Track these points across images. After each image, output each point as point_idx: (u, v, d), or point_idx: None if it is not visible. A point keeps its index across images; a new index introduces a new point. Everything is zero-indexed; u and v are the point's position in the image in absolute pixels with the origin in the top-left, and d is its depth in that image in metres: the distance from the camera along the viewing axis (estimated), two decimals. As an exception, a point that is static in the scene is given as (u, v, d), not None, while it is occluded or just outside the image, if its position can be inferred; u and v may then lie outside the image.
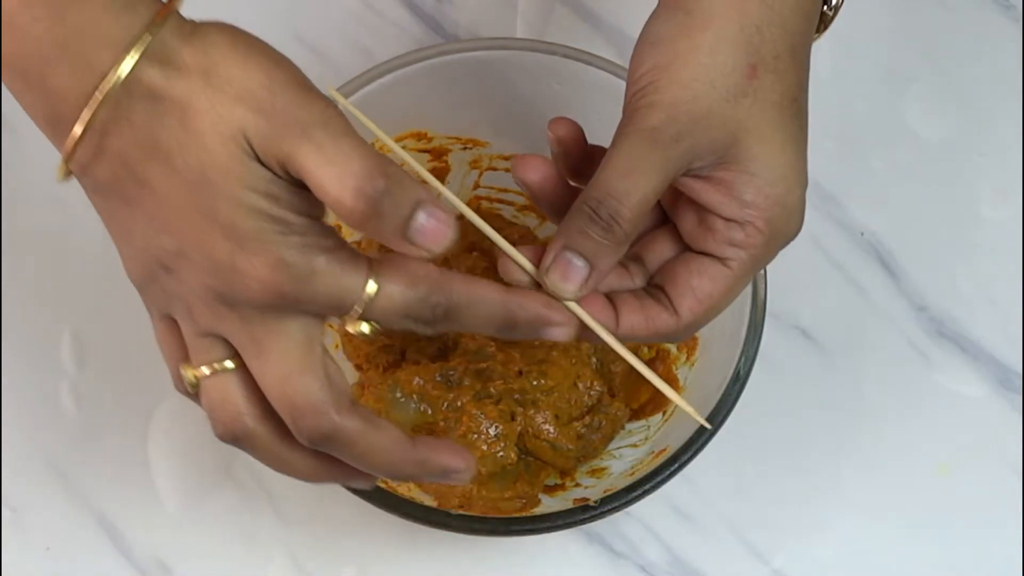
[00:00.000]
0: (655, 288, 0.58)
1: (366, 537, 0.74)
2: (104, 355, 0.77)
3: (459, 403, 0.72)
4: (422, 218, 0.51)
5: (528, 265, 0.56)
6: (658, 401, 0.74)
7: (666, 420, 0.72)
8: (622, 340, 0.57)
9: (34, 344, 0.77)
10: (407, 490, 0.71)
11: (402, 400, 0.72)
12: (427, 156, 0.76)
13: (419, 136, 0.74)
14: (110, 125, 0.50)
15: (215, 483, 0.75)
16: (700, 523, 0.75)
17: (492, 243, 0.57)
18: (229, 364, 0.53)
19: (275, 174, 0.50)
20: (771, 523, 0.75)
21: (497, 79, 0.72)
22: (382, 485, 0.66)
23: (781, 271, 0.77)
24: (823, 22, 0.60)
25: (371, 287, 0.51)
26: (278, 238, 0.50)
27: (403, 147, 0.74)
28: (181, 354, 0.55)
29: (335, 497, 0.68)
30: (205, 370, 0.54)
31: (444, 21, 0.84)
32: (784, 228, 0.57)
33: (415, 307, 0.52)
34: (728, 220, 0.56)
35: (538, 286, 0.56)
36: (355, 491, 0.65)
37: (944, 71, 0.83)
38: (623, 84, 0.69)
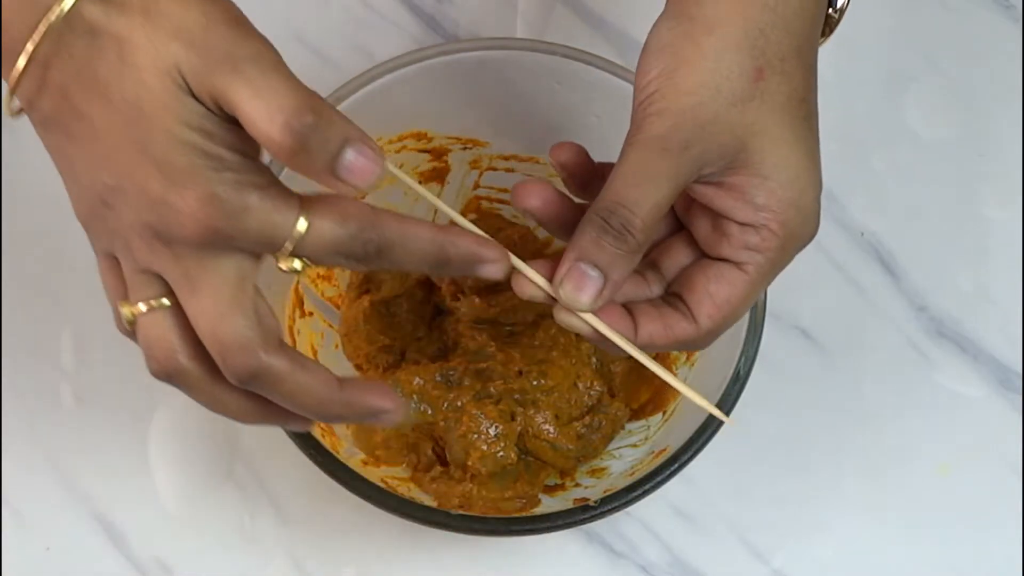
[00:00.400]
0: (673, 296, 0.58)
1: (366, 537, 0.74)
2: (104, 355, 0.77)
3: (459, 403, 0.72)
4: (350, 155, 0.52)
5: (541, 280, 0.56)
6: (658, 401, 0.74)
7: (666, 420, 0.72)
8: (642, 350, 0.57)
9: (34, 344, 0.77)
10: (407, 490, 0.71)
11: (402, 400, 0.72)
12: (427, 156, 0.76)
13: (419, 136, 0.74)
14: (52, 58, 0.51)
15: (215, 483, 0.75)
16: (700, 523, 0.75)
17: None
18: (165, 301, 0.54)
19: (209, 110, 0.51)
20: (771, 523, 0.75)
21: (497, 79, 0.72)
22: (382, 485, 0.67)
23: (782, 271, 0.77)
24: (828, 26, 0.60)
25: (302, 224, 0.52)
26: (211, 174, 0.51)
27: (403, 147, 0.75)
28: (122, 292, 0.55)
29: (335, 497, 0.68)
30: (142, 307, 0.54)
31: (444, 21, 0.84)
32: (799, 231, 0.56)
33: (346, 243, 0.53)
34: (743, 224, 0.56)
35: (554, 301, 0.56)
36: (355, 491, 0.65)
37: (944, 71, 0.83)
38: (623, 84, 0.70)
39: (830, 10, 0.59)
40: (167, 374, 0.55)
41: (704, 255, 0.58)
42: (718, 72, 0.54)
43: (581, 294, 0.55)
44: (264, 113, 0.50)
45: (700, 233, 0.58)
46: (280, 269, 0.53)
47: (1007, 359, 0.78)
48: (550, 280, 0.56)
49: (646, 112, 0.55)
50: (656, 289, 0.58)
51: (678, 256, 0.59)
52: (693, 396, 0.58)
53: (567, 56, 0.71)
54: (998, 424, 0.77)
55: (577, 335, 0.74)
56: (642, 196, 0.54)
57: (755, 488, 0.76)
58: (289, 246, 0.52)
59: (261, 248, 0.52)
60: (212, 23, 0.51)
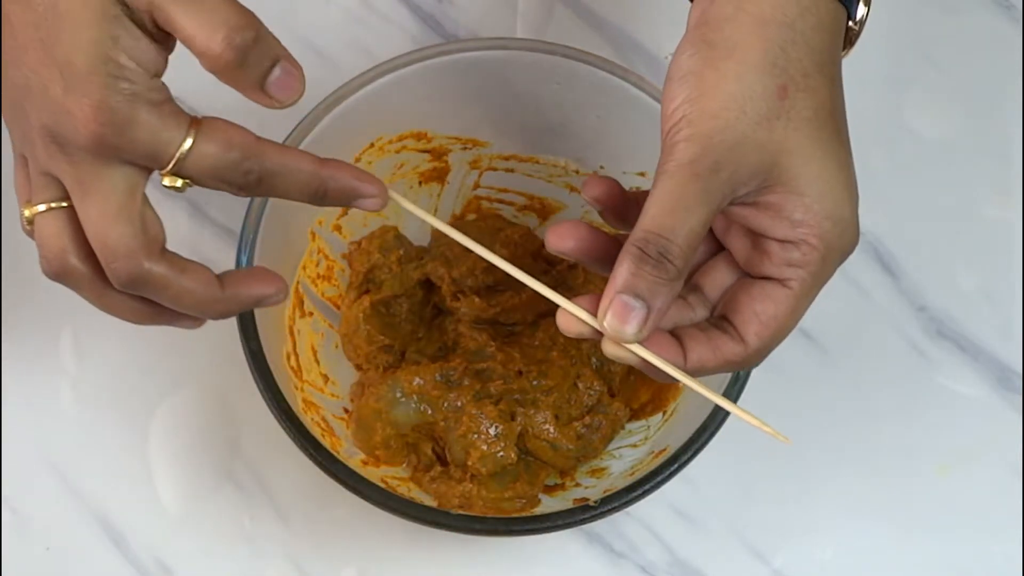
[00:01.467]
0: (720, 319, 0.58)
1: (366, 537, 0.74)
2: (104, 355, 0.77)
3: (459, 403, 0.72)
4: (278, 71, 0.55)
5: (585, 315, 0.56)
6: (658, 401, 0.74)
7: (666, 420, 0.72)
8: (692, 374, 0.57)
9: (34, 344, 0.77)
10: (407, 490, 0.71)
11: (402, 400, 0.72)
12: (427, 156, 0.76)
13: (419, 136, 0.74)
14: None
15: (215, 483, 0.75)
16: (700, 523, 0.75)
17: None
18: (63, 204, 0.56)
19: (131, 19, 0.53)
20: (771, 523, 0.75)
21: (497, 79, 0.72)
22: (382, 485, 0.67)
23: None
24: (848, 39, 0.60)
25: (187, 144, 0.54)
26: (108, 80, 0.52)
27: (403, 147, 0.75)
28: (27, 193, 0.57)
29: (335, 497, 0.68)
30: (41, 208, 0.56)
31: (444, 21, 0.84)
32: (839, 243, 0.56)
33: (226, 169, 0.55)
34: (782, 242, 0.56)
35: (599, 335, 0.56)
36: (355, 491, 0.65)
37: (945, 71, 0.83)
38: (623, 84, 0.70)
39: (850, 23, 0.59)
40: (57, 273, 0.57)
41: (746, 274, 0.58)
42: (741, 94, 0.54)
43: (626, 326, 0.54)
44: (208, 27, 0.53)
45: (740, 253, 0.58)
46: (164, 185, 0.55)
47: (1007, 359, 0.78)
48: (594, 314, 0.56)
49: (674, 140, 0.55)
50: (701, 312, 0.58)
51: (721, 277, 0.59)
52: (753, 421, 0.57)
53: (567, 56, 0.71)
54: (998, 424, 0.77)
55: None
56: (678, 223, 0.54)
57: (755, 488, 0.76)
58: (172, 165, 0.54)
59: (146, 162, 0.54)
60: None
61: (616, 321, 0.54)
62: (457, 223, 0.78)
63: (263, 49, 0.54)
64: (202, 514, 0.75)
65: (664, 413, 0.73)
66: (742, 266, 0.58)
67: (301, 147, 0.69)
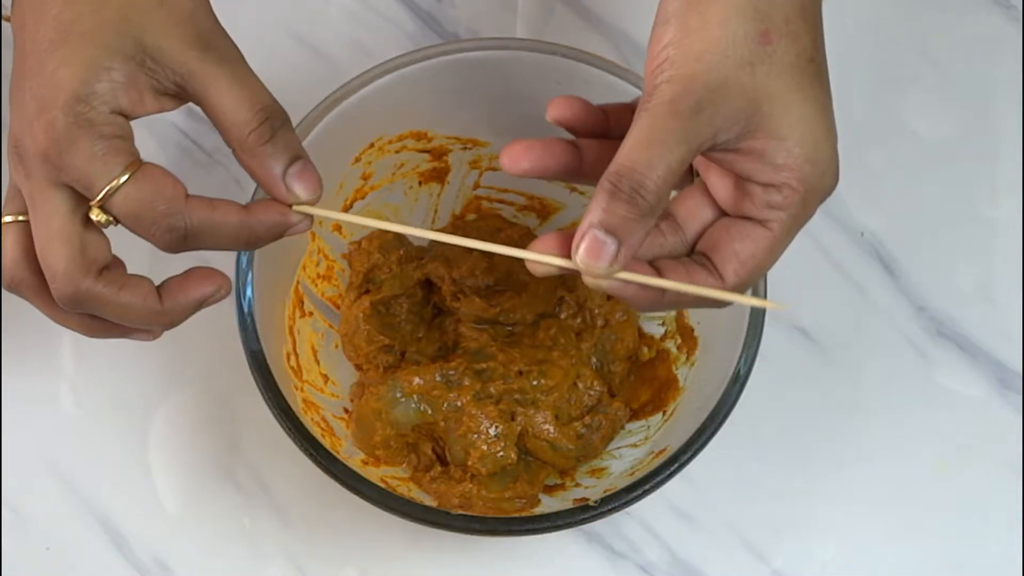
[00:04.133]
0: (699, 255, 0.58)
1: (366, 537, 0.74)
2: (104, 355, 0.77)
3: (459, 403, 0.72)
4: (300, 165, 0.57)
5: (553, 259, 0.56)
6: (658, 401, 0.74)
7: (666, 420, 0.72)
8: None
9: (34, 344, 0.77)
10: (407, 490, 0.71)
11: (402, 400, 0.72)
12: (427, 156, 0.76)
13: (419, 136, 0.74)
14: None
15: (215, 484, 0.75)
16: (700, 523, 0.75)
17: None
18: (20, 218, 0.57)
19: (144, 67, 0.54)
20: (771, 523, 0.75)
21: (497, 79, 0.72)
22: (382, 485, 0.67)
23: (781, 271, 0.76)
24: None
25: (117, 182, 0.55)
26: (70, 100, 0.54)
27: (403, 147, 0.75)
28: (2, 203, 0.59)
29: (335, 497, 0.68)
30: (8, 218, 0.58)
31: (444, 21, 0.84)
32: (819, 184, 0.57)
33: (148, 217, 0.55)
34: (765, 185, 0.56)
35: (571, 271, 0.56)
36: (355, 491, 0.65)
37: (944, 71, 0.83)
38: (623, 84, 0.70)
39: None
40: (7, 284, 0.59)
41: (724, 213, 0.58)
42: (725, 38, 0.55)
43: (598, 260, 0.55)
44: (246, 100, 0.55)
45: (721, 192, 0.58)
46: (91, 217, 0.55)
47: (1007, 359, 0.78)
48: (567, 250, 0.56)
49: (656, 80, 0.56)
50: (671, 239, 0.59)
51: (694, 206, 0.59)
52: (753, 301, 0.58)
53: (567, 56, 0.71)
54: (997, 424, 0.77)
55: (578, 334, 0.75)
56: (654, 158, 0.54)
57: (755, 488, 0.76)
58: (99, 198, 0.55)
59: (80, 188, 0.55)
60: (201, 8, 0.56)
61: (588, 256, 0.55)
62: (457, 223, 0.78)
63: (290, 140, 0.57)
64: (202, 514, 0.75)
65: (664, 413, 0.73)
66: (722, 205, 0.58)
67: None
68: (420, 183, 0.77)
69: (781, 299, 0.76)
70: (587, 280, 0.56)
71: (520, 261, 0.57)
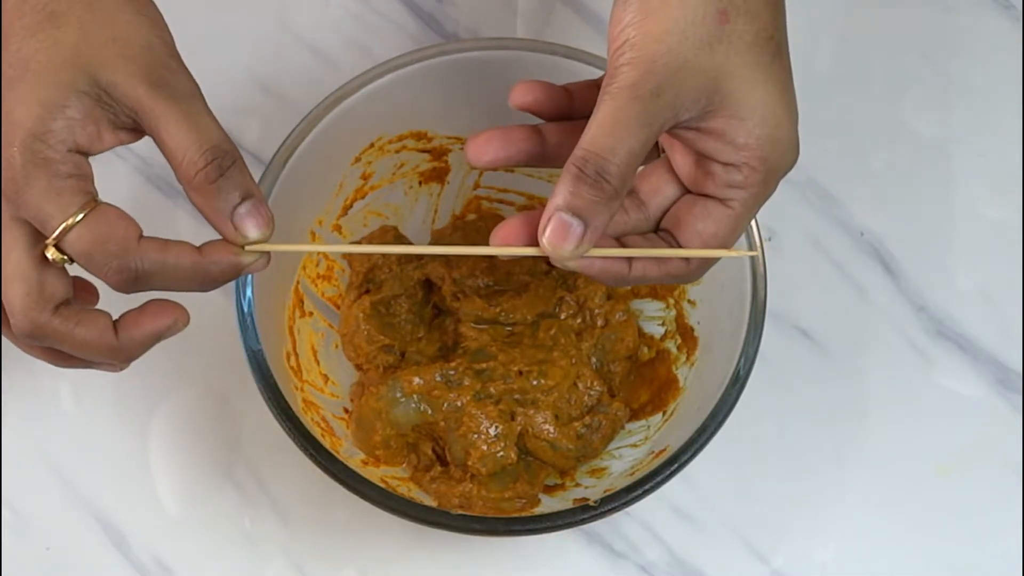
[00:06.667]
0: (663, 232, 0.59)
1: (366, 537, 0.74)
2: (104, 355, 0.77)
3: (459, 403, 0.72)
4: (248, 205, 0.56)
5: (519, 250, 0.57)
6: (658, 401, 0.74)
7: (666, 420, 0.72)
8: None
9: (34, 344, 0.77)
10: (407, 490, 0.71)
11: (402, 400, 0.72)
12: (427, 156, 0.76)
13: (419, 136, 0.74)
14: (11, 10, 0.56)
15: (215, 484, 0.75)
16: (700, 523, 0.75)
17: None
18: None
19: (100, 101, 0.54)
20: (771, 523, 0.75)
21: (497, 79, 0.72)
22: (382, 485, 0.67)
23: (781, 271, 0.77)
24: None
25: (71, 221, 0.54)
26: (28, 139, 0.54)
27: (403, 147, 0.75)
28: None
29: (335, 497, 0.68)
30: None
31: (444, 21, 0.84)
32: (780, 162, 0.58)
33: (100, 258, 0.55)
34: (726, 164, 0.57)
35: (540, 256, 0.57)
36: (355, 491, 0.65)
37: (944, 71, 0.83)
38: (623, 84, 0.70)
39: None
40: None
41: (687, 191, 0.59)
42: (684, 18, 0.55)
43: (565, 243, 0.56)
44: (195, 139, 0.55)
45: (683, 170, 0.59)
46: (46, 256, 0.55)
47: (1007, 359, 0.78)
48: (534, 232, 0.57)
49: (617, 63, 0.56)
50: (635, 215, 0.59)
51: (658, 183, 0.60)
52: (732, 253, 0.59)
53: (567, 56, 0.71)
54: (997, 424, 0.77)
55: (578, 334, 0.75)
56: (617, 143, 0.55)
57: (755, 488, 0.76)
58: (53, 236, 0.54)
59: (37, 225, 0.55)
60: (157, 44, 0.56)
61: (554, 239, 0.56)
62: (457, 223, 0.78)
63: (240, 179, 0.56)
64: (202, 514, 0.75)
65: (664, 413, 0.73)
66: (685, 182, 0.59)
67: (301, 147, 0.69)
68: (420, 183, 0.77)
69: (781, 302, 0.76)
70: (555, 261, 0.57)
71: (520, 261, 0.57)
